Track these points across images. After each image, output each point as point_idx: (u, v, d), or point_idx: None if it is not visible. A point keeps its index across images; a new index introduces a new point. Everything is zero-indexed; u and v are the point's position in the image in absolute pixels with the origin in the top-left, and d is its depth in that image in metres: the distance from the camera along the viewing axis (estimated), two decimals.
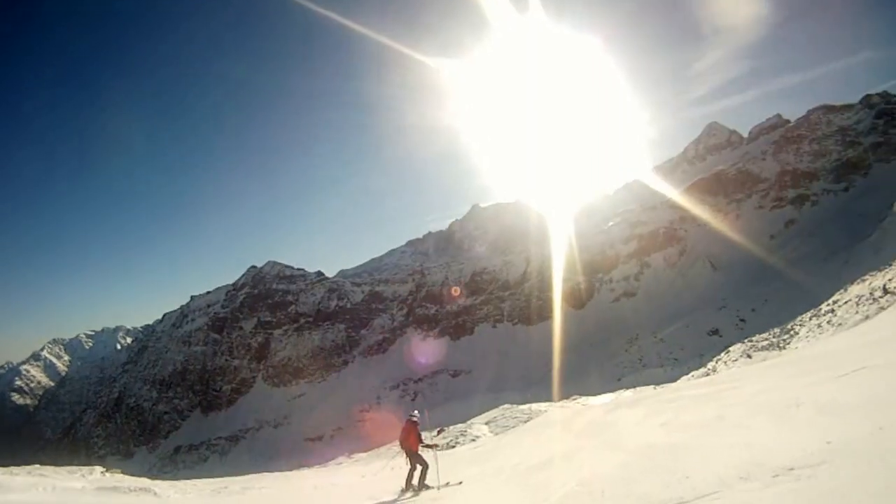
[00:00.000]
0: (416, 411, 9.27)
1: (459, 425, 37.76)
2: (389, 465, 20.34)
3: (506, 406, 40.25)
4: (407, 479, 8.58)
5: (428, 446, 8.74)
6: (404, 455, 8.67)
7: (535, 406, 36.58)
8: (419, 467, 8.53)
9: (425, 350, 77.94)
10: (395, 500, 8.58)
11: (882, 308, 24.25)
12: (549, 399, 45.66)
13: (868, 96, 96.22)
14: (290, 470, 39.78)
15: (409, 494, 8.28)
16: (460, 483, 8.57)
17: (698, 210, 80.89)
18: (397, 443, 8.99)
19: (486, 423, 35.99)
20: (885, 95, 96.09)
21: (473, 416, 41.84)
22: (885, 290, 26.87)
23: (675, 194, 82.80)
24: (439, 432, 38.75)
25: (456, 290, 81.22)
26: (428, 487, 8.48)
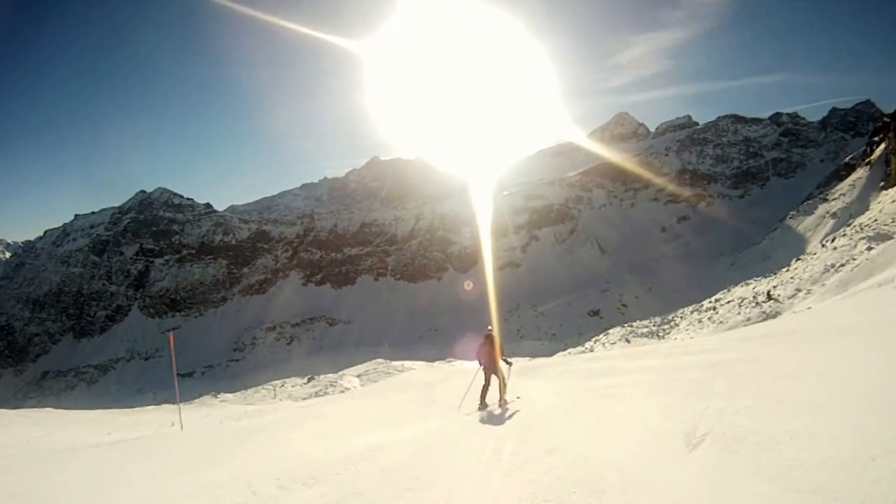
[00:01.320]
0: (490, 326, 8.75)
1: (331, 375, 37.51)
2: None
3: (379, 360, 40.23)
4: (482, 396, 8.01)
5: (507, 361, 8.29)
6: (486, 372, 8.04)
7: (408, 363, 36.46)
8: (494, 379, 8.05)
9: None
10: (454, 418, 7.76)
11: (765, 313, 24.55)
12: (424, 358, 45.83)
13: (778, 114, 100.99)
14: (158, 404, 38.19)
15: (497, 410, 7.65)
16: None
17: (595, 193, 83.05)
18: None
19: (358, 376, 35.75)
20: (794, 116, 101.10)
21: (347, 368, 41.68)
22: (769, 296, 27.34)
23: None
24: (310, 379, 38.31)
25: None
26: (506, 401, 7.99)
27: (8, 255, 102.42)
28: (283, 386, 40.29)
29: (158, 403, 47.07)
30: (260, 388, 40.99)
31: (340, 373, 39.13)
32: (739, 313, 29.04)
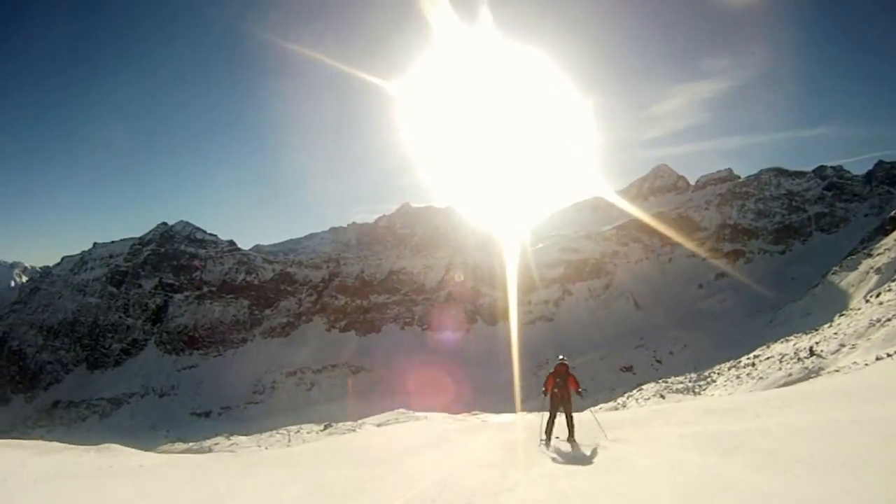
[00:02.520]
0: (562, 356, 8.49)
1: (349, 423, 36.47)
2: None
3: (401, 410, 39.15)
4: (547, 429, 7.74)
5: (579, 392, 7.92)
6: (554, 403, 7.74)
7: (431, 415, 35.41)
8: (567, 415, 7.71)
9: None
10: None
11: (807, 369, 23.74)
12: (445, 410, 44.61)
13: (822, 167, 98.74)
14: (169, 443, 36.77)
15: (565, 447, 7.32)
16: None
17: (631, 247, 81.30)
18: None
19: (378, 426, 34.65)
20: (839, 170, 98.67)
21: (367, 416, 40.66)
22: (812, 352, 26.31)
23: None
24: (327, 426, 37.35)
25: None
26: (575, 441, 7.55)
27: (25, 279, 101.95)
28: (298, 432, 39.19)
29: (172, 441, 46.39)
30: (275, 432, 39.96)
31: (360, 421, 38.03)
32: (780, 369, 27.73)
